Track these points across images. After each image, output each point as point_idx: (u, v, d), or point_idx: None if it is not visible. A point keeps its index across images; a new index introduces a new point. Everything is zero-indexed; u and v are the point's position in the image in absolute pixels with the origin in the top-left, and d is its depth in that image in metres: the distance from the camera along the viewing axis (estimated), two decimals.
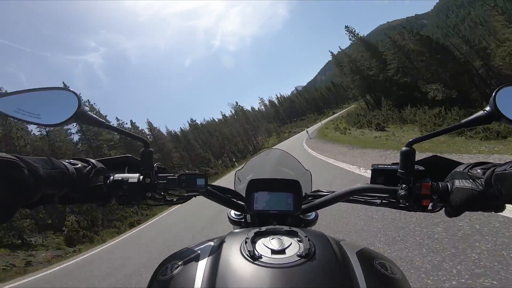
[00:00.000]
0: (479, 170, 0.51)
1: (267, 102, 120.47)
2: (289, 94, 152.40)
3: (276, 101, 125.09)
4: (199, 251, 0.55)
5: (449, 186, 0.56)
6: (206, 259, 0.51)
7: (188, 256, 0.55)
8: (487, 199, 0.50)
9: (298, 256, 0.46)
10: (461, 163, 0.59)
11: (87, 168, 0.57)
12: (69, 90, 0.59)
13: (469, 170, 0.53)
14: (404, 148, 0.60)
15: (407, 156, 0.59)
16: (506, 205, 0.51)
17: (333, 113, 73.52)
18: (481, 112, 0.55)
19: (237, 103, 69.54)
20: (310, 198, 0.79)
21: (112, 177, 0.61)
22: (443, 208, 0.60)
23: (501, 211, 0.52)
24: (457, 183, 0.54)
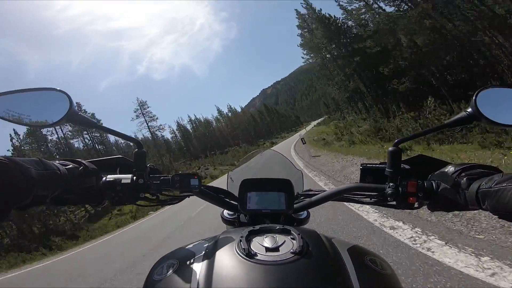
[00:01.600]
0: (464, 180, 0.51)
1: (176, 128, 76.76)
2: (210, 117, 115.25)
3: (189, 126, 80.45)
4: (194, 251, 0.56)
5: (433, 184, 0.58)
6: (201, 258, 0.52)
7: (183, 256, 0.56)
8: (466, 207, 0.52)
9: (292, 253, 0.48)
10: (447, 163, 0.61)
11: (79, 169, 0.57)
12: (60, 91, 0.59)
13: (457, 177, 0.53)
14: (391, 148, 0.62)
15: (394, 155, 0.61)
16: None
17: (272, 143, 49.50)
18: (463, 113, 0.58)
19: (143, 135, 50.85)
20: (302, 197, 0.80)
21: (104, 178, 0.61)
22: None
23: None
24: (444, 188, 0.55)
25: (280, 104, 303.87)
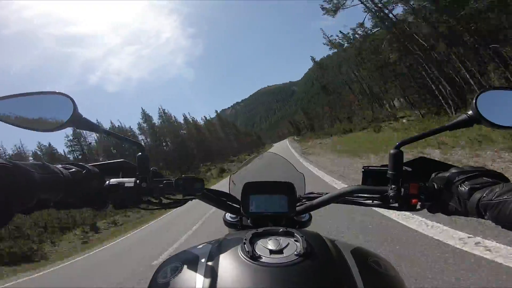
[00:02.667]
0: (466, 190, 0.51)
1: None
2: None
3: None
4: (198, 253, 0.56)
5: (435, 186, 0.58)
6: (205, 260, 0.52)
7: (187, 258, 0.55)
8: (467, 214, 0.53)
9: (296, 255, 0.48)
10: (449, 165, 0.62)
11: (82, 173, 0.57)
12: (64, 95, 0.59)
13: (459, 185, 0.53)
14: (392, 150, 0.62)
15: (396, 157, 0.62)
16: None
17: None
18: (463, 116, 0.58)
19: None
20: (304, 200, 0.81)
21: (108, 182, 0.62)
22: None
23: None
24: (444, 191, 0.55)
25: (239, 126, 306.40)
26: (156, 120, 59.13)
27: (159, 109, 62.37)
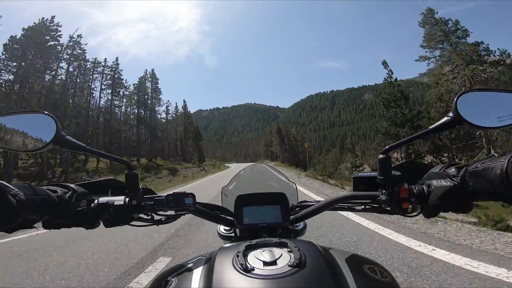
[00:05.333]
0: (453, 169, 0.55)
1: None
2: None
3: None
4: (191, 267, 0.56)
5: (424, 188, 0.59)
6: (199, 274, 0.52)
7: (181, 273, 0.55)
8: (464, 196, 0.54)
9: (290, 266, 0.48)
10: (434, 166, 0.63)
11: (68, 194, 0.57)
12: (47, 114, 0.59)
13: (445, 170, 0.57)
14: (381, 156, 0.63)
15: (384, 162, 0.62)
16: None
17: None
18: (445, 118, 0.59)
19: None
20: (297, 209, 0.80)
21: (96, 201, 0.61)
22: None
23: (469, 212, 0.56)
24: (435, 183, 0.57)
25: (209, 131, 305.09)
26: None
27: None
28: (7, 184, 0.43)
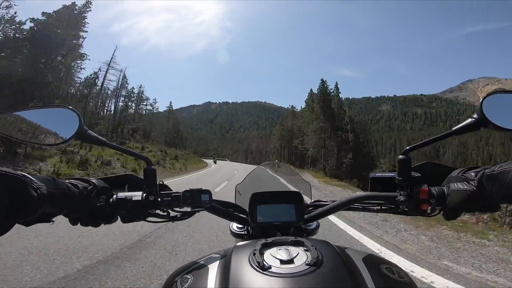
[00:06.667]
0: (472, 173, 0.55)
1: None
2: None
3: None
4: (207, 264, 0.55)
5: (445, 190, 0.59)
6: (215, 271, 0.52)
7: (197, 270, 0.55)
8: (482, 199, 0.53)
9: (307, 264, 0.47)
10: (455, 168, 0.62)
11: (88, 189, 0.57)
12: (70, 108, 0.60)
13: (463, 174, 0.57)
14: (401, 156, 0.62)
15: (404, 163, 0.62)
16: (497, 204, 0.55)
17: None
18: (469, 120, 0.58)
19: None
20: (311, 208, 0.80)
21: (115, 196, 0.62)
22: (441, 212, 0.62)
23: (496, 211, 0.55)
24: (453, 186, 0.57)
25: (215, 124, 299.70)
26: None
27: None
28: (31, 177, 0.43)
